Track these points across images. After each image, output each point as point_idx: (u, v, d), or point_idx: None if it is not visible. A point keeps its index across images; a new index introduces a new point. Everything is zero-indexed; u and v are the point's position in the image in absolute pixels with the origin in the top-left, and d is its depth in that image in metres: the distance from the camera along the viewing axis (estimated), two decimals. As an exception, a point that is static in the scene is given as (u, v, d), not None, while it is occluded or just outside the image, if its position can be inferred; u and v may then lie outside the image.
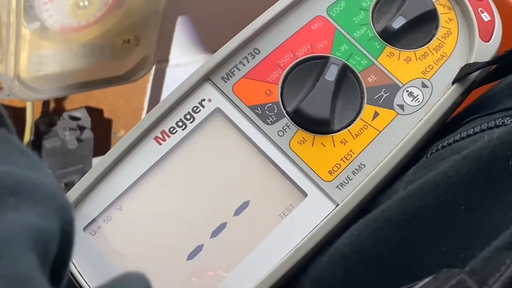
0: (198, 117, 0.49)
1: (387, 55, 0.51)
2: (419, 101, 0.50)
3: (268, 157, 0.49)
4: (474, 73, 0.49)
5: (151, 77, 1.16)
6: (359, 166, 0.49)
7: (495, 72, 0.49)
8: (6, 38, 0.83)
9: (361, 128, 0.49)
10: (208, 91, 0.50)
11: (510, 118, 0.45)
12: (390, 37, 0.51)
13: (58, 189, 0.35)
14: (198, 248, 0.48)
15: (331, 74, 0.49)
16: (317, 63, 0.50)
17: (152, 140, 0.49)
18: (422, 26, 0.51)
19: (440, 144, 0.47)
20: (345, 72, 0.50)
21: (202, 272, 0.48)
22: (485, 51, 0.50)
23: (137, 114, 1.20)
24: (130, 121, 1.15)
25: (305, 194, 0.48)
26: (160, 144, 0.49)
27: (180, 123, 0.49)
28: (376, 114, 0.49)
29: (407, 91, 0.50)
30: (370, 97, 0.50)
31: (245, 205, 0.48)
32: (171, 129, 0.49)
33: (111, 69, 0.97)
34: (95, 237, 0.48)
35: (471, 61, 0.50)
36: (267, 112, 0.49)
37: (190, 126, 0.49)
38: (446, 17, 0.52)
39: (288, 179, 0.49)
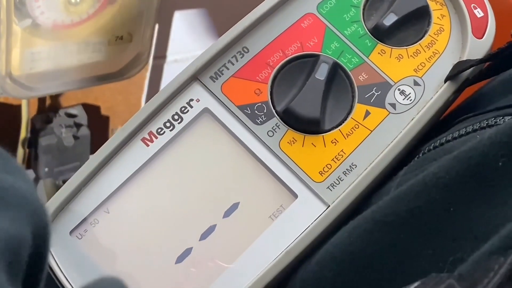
0: (186, 118, 0.49)
1: (379, 53, 0.50)
2: (411, 100, 0.49)
3: (258, 158, 0.48)
4: (467, 70, 0.48)
5: (148, 74, 1.16)
6: (350, 166, 0.48)
7: (489, 69, 0.49)
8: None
9: (352, 128, 0.48)
10: (196, 91, 0.49)
11: (502, 118, 0.44)
12: (381, 34, 0.50)
13: (32, 192, 0.34)
14: (187, 251, 0.47)
15: (321, 72, 0.48)
16: (307, 62, 0.49)
17: (139, 142, 0.48)
18: (414, 23, 0.50)
19: (432, 144, 0.46)
20: (336, 70, 0.49)
21: (193, 272, 0.47)
22: (478, 47, 0.49)
23: (135, 111, 1.19)
24: (127, 118, 1.14)
25: (295, 195, 0.47)
26: (148, 145, 0.48)
27: (168, 124, 0.49)
28: (367, 113, 0.49)
29: (398, 89, 0.49)
30: (361, 96, 0.49)
31: (234, 207, 0.48)
32: (159, 130, 0.49)
33: (105, 66, 0.97)
34: (82, 240, 0.47)
35: (464, 58, 0.49)
36: (256, 112, 0.49)
37: (178, 127, 0.49)
38: (438, 13, 0.51)
39: (278, 180, 0.48)
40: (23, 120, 1.07)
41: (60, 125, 1.10)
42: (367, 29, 0.50)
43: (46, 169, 1.08)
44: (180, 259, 0.47)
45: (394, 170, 0.48)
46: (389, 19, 0.50)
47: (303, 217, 0.47)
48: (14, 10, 0.84)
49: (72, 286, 0.46)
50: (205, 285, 0.47)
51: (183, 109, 0.49)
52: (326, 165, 0.48)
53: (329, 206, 0.47)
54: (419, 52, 0.50)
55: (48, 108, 1.13)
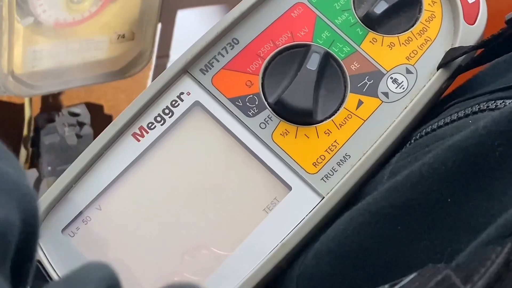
0: (177, 112, 0.48)
1: (370, 41, 0.49)
2: (403, 88, 0.48)
3: (251, 151, 0.48)
4: (460, 57, 0.47)
5: (151, 73, 1.15)
6: (344, 157, 0.47)
7: (481, 56, 0.48)
8: (-2, 33, 0.82)
9: (345, 118, 0.48)
10: (186, 84, 0.49)
11: (494, 102, 0.43)
12: (372, 22, 0.49)
13: (22, 179, 0.34)
14: (181, 246, 0.47)
15: (313, 63, 0.48)
16: (298, 52, 0.49)
17: (130, 137, 0.48)
18: (405, 10, 0.50)
19: (424, 130, 0.46)
20: (327, 60, 0.49)
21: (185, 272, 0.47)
22: (470, 34, 0.49)
23: (137, 109, 1.19)
24: (130, 116, 1.14)
25: (289, 188, 0.47)
26: (139, 140, 0.48)
27: (158, 118, 0.48)
28: (360, 103, 0.48)
29: (391, 78, 0.48)
30: (353, 85, 0.48)
31: (228, 200, 0.47)
32: (150, 125, 0.48)
33: (107, 64, 0.96)
34: (74, 238, 0.47)
35: (456, 45, 0.48)
36: (248, 104, 0.48)
37: (169, 121, 0.48)
38: (429, 0, 0.50)
39: (272, 172, 0.47)
40: (26, 118, 1.06)
41: (63, 124, 1.10)
42: (358, 18, 0.50)
43: (49, 168, 1.07)
44: (174, 254, 0.47)
45: (388, 157, 0.47)
46: (380, 7, 0.49)
47: (297, 209, 0.47)
48: (16, 8, 0.84)
49: (65, 284, 0.46)
50: (201, 280, 0.46)
51: (173, 103, 0.48)
52: (319, 156, 0.47)
53: (323, 197, 0.47)
54: (410, 39, 0.49)
55: (51, 107, 1.13)
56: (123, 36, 0.96)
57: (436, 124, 0.46)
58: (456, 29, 0.49)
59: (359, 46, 0.49)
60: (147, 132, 0.48)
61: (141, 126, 0.48)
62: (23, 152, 1.09)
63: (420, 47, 0.49)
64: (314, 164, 0.47)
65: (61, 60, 0.93)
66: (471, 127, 0.40)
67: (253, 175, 0.48)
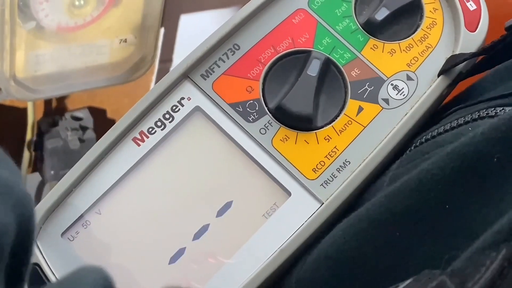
0: (178, 117, 0.48)
1: (371, 48, 0.49)
2: (404, 95, 0.48)
3: (251, 156, 0.48)
4: (460, 64, 0.47)
5: (154, 77, 1.15)
6: (343, 163, 0.47)
7: (482, 63, 0.48)
8: (0, 37, 0.83)
9: (345, 124, 0.48)
10: (187, 89, 0.49)
11: (494, 109, 0.43)
12: (373, 29, 0.50)
13: (17, 182, 0.34)
14: (180, 251, 0.47)
15: (313, 69, 0.48)
16: (299, 58, 0.49)
17: (130, 141, 0.48)
18: (406, 17, 0.50)
19: (424, 137, 0.46)
20: (328, 66, 0.49)
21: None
22: (471, 41, 0.49)
23: (140, 113, 1.19)
24: (133, 120, 1.14)
25: (289, 193, 0.47)
26: (139, 145, 0.48)
27: (159, 123, 0.48)
28: (360, 109, 0.48)
29: (391, 84, 0.48)
30: (354, 91, 0.48)
31: (228, 205, 0.47)
32: (150, 130, 0.48)
33: (109, 68, 0.96)
34: (74, 242, 0.47)
35: (457, 52, 0.48)
36: (248, 109, 0.48)
37: (170, 126, 0.48)
38: (430, 7, 0.50)
39: (272, 178, 0.47)
40: (29, 122, 1.07)
41: (66, 128, 1.10)
42: (359, 24, 0.50)
43: (52, 172, 1.07)
44: (173, 259, 0.47)
45: (388, 164, 0.47)
46: (381, 14, 0.49)
47: (297, 215, 0.47)
48: (18, 13, 0.84)
49: (64, 288, 0.46)
50: (200, 285, 0.46)
51: (174, 108, 0.48)
52: (319, 162, 0.47)
53: (323, 203, 0.47)
54: (411, 46, 0.49)
55: (54, 111, 1.13)
56: (125, 41, 0.96)
57: (436, 131, 0.46)
58: (457, 36, 0.49)
59: (360, 53, 0.49)
60: (148, 137, 0.48)
61: (142, 130, 0.48)
62: (26, 156, 1.09)
63: (421, 54, 0.49)
64: (314, 170, 0.47)
65: (63, 65, 0.93)
66: (469, 134, 0.40)
67: (252, 180, 0.48)
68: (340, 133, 0.48)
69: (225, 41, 0.49)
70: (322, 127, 0.48)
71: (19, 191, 0.34)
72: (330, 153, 0.47)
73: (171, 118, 0.48)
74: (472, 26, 0.49)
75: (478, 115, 0.44)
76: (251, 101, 0.48)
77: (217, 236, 0.47)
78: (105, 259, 0.47)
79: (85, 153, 0.48)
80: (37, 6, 0.86)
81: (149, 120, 0.48)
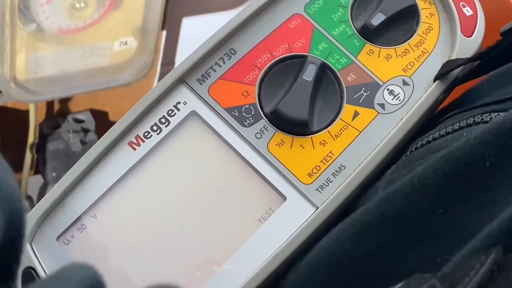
0: (174, 121, 0.48)
1: (367, 53, 0.49)
2: (400, 100, 0.48)
3: (246, 161, 0.48)
4: (456, 69, 0.47)
5: (156, 80, 1.16)
6: (339, 167, 0.47)
7: (478, 68, 0.48)
8: (1, 39, 0.83)
9: (341, 129, 0.48)
10: (183, 94, 0.49)
11: (489, 115, 0.43)
12: (369, 34, 0.50)
13: (6, 177, 0.34)
14: (176, 255, 0.47)
15: (309, 73, 0.48)
16: (295, 63, 0.49)
17: (126, 146, 0.48)
18: (402, 22, 0.50)
19: (420, 142, 0.46)
20: (324, 71, 0.49)
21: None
22: (468, 46, 0.49)
23: (142, 116, 1.20)
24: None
25: (284, 198, 0.47)
26: (135, 149, 0.48)
27: (155, 127, 0.48)
28: (356, 114, 0.48)
29: (387, 89, 0.48)
30: (349, 96, 0.48)
31: (223, 209, 0.47)
32: (146, 134, 0.48)
33: (110, 71, 0.97)
34: (69, 246, 0.47)
35: (453, 57, 0.48)
36: (244, 114, 0.48)
37: (165, 130, 0.48)
38: (427, 12, 0.50)
39: (267, 182, 0.47)
40: (31, 125, 1.07)
41: (67, 130, 1.10)
42: (355, 29, 0.50)
43: (54, 174, 1.08)
44: (168, 263, 0.47)
45: (383, 169, 0.47)
46: (377, 19, 0.49)
47: (292, 220, 0.47)
48: (19, 15, 0.84)
49: (59, 292, 0.46)
50: None
51: (170, 112, 0.49)
52: (315, 167, 0.47)
53: (318, 208, 0.47)
54: (407, 51, 0.49)
55: (56, 114, 1.13)
56: (126, 43, 0.96)
57: (431, 136, 0.46)
58: (453, 41, 0.49)
59: (356, 58, 0.49)
60: (143, 141, 0.48)
61: (137, 135, 0.48)
62: (28, 158, 1.09)
63: (417, 59, 0.49)
64: (309, 174, 0.47)
65: (63, 67, 0.94)
66: (462, 139, 0.40)
67: (248, 185, 0.48)
68: (336, 137, 0.48)
69: (221, 46, 0.50)
70: (317, 131, 0.48)
71: (7, 186, 0.34)
72: (325, 158, 0.47)
73: (167, 123, 0.48)
74: (468, 31, 0.49)
75: (473, 121, 0.44)
76: (247, 106, 0.48)
77: (213, 240, 0.47)
78: (100, 262, 0.47)
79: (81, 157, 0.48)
80: (38, 9, 0.87)
81: (145, 124, 0.48)
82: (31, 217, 0.47)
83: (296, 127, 0.48)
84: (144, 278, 0.47)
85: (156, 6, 0.93)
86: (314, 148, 0.48)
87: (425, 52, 0.49)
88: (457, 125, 0.45)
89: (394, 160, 0.47)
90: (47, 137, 1.09)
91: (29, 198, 1.12)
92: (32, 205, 1.01)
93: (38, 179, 1.13)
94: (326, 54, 0.49)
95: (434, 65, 0.49)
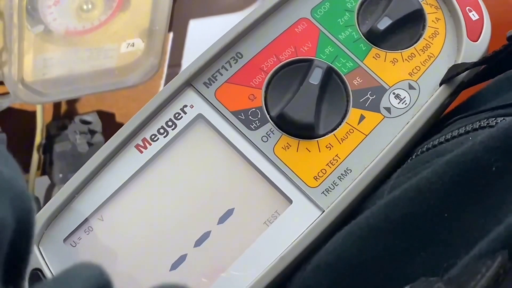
0: (180, 124, 0.49)
1: (373, 57, 0.49)
2: (406, 104, 0.48)
3: (252, 164, 0.48)
4: (462, 74, 0.47)
5: (162, 82, 1.16)
6: (345, 171, 0.47)
7: (484, 72, 0.48)
8: (9, 41, 0.83)
9: (347, 132, 0.48)
10: (190, 97, 0.49)
11: (494, 119, 0.43)
12: (376, 38, 0.50)
13: (16, 177, 0.34)
14: (182, 258, 0.47)
15: (315, 77, 0.48)
16: (301, 67, 0.49)
17: (133, 148, 0.48)
18: (408, 27, 0.50)
19: (425, 146, 0.46)
20: (330, 75, 0.49)
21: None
22: (474, 51, 0.49)
23: (148, 118, 1.20)
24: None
25: (290, 201, 0.47)
26: (141, 152, 0.48)
27: (161, 130, 0.49)
28: (362, 118, 0.48)
29: (393, 93, 0.49)
30: (356, 100, 0.49)
31: (229, 213, 0.48)
32: (153, 137, 0.48)
33: (117, 72, 0.97)
34: (76, 248, 0.47)
35: (459, 62, 0.48)
36: (250, 117, 0.48)
37: (172, 133, 0.48)
38: (433, 16, 0.50)
39: (273, 185, 0.48)
40: (38, 126, 1.07)
41: (74, 131, 1.11)
42: (362, 33, 0.50)
43: (61, 175, 1.08)
44: (175, 266, 0.47)
45: (389, 172, 0.47)
46: (384, 23, 0.49)
47: (298, 223, 0.47)
48: (27, 16, 0.85)
49: (65, 294, 0.46)
50: None
51: (177, 115, 0.49)
52: (320, 170, 0.47)
53: (323, 211, 0.47)
54: (414, 55, 0.49)
55: (63, 115, 1.14)
56: (133, 45, 0.96)
57: (437, 140, 0.46)
58: (460, 45, 0.49)
59: (362, 62, 0.49)
60: (150, 144, 0.48)
61: (144, 138, 0.48)
62: (35, 159, 1.10)
63: (423, 63, 0.49)
64: (315, 177, 0.47)
65: (71, 68, 0.94)
66: (468, 143, 0.40)
67: (254, 188, 0.48)
68: (342, 141, 0.48)
69: (228, 49, 0.50)
70: (323, 135, 0.48)
71: (17, 187, 0.34)
72: (331, 161, 0.48)
73: (173, 126, 0.49)
74: (474, 35, 0.49)
75: (479, 125, 0.44)
76: (253, 109, 0.49)
77: (218, 243, 0.47)
78: (107, 265, 0.47)
79: (89, 159, 0.48)
80: (46, 10, 0.87)
81: (152, 127, 0.49)
82: (38, 218, 0.47)
83: (302, 131, 0.48)
84: (150, 280, 0.47)
85: (163, 8, 0.94)
86: (320, 151, 0.48)
87: (431, 56, 0.49)
88: (463, 129, 0.45)
89: (399, 163, 0.47)
90: (54, 138, 1.10)
91: (36, 199, 1.12)
92: (39, 206, 1.02)
93: (45, 180, 1.14)
94: (332, 58, 0.49)
95: (440, 69, 0.49)
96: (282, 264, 0.46)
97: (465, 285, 0.33)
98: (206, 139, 0.49)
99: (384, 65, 0.49)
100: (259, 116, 0.49)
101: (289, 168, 0.48)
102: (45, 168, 1.13)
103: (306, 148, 0.48)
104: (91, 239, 0.47)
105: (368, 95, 0.49)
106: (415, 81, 0.49)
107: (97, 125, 1.12)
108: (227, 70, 0.49)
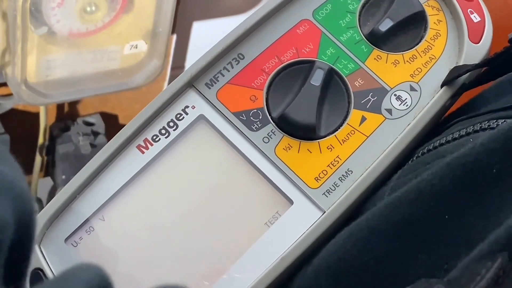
0: (182, 125, 0.49)
1: (375, 59, 0.49)
2: (407, 105, 0.48)
3: (254, 165, 0.48)
4: (464, 75, 0.47)
5: (166, 83, 1.16)
6: (346, 172, 0.47)
7: (486, 74, 0.48)
8: (12, 42, 0.83)
9: (348, 134, 0.48)
10: (191, 98, 0.49)
11: (496, 121, 0.43)
12: (377, 40, 0.50)
13: (17, 178, 0.34)
14: (183, 259, 0.47)
15: (317, 78, 0.48)
16: (303, 68, 0.49)
17: (134, 149, 0.49)
18: (410, 28, 0.50)
19: (426, 148, 0.46)
20: (332, 76, 0.49)
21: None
22: (475, 52, 0.49)
23: (151, 119, 1.20)
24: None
25: (291, 202, 0.47)
26: (143, 152, 0.48)
27: (163, 131, 0.49)
28: (363, 119, 0.48)
29: (395, 95, 0.49)
30: (357, 101, 0.49)
31: (230, 213, 0.48)
32: (154, 137, 0.49)
33: (120, 74, 0.97)
34: (77, 248, 0.47)
35: (461, 63, 0.48)
36: (252, 118, 0.49)
37: (174, 134, 0.49)
38: (435, 18, 0.50)
39: (274, 186, 0.48)
40: (41, 127, 1.07)
41: (77, 133, 1.11)
42: (363, 35, 0.50)
43: (64, 177, 1.08)
44: (175, 266, 0.47)
45: (390, 174, 0.47)
46: (385, 25, 0.49)
47: (298, 224, 0.47)
48: (30, 18, 0.85)
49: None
50: None
51: (178, 116, 0.49)
52: (322, 171, 0.47)
53: (324, 212, 0.47)
54: (415, 57, 0.49)
55: (66, 116, 1.14)
56: (136, 47, 0.97)
57: (438, 141, 0.46)
58: (461, 47, 0.49)
59: (363, 63, 0.49)
60: (152, 145, 0.48)
61: (146, 138, 0.49)
62: (38, 160, 1.10)
63: (424, 65, 0.49)
64: (316, 179, 0.47)
65: (74, 70, 0.94)
66: (469, 145, 0.40)
67: (255, 189, 0.48)
68: (343, 142, 0.48)
69: (229, 50, 0.50)
70: (325, 136, 0.48)
71: (18, 188, 0.34)
72: (332, 162, 0.48)
73: (175, 126, 0.49)
74: (476, 37, 0.49)
75: (480, 127, 0.44)
76: (255, 110, 0.49)
77: (220, 244, 0.47)
78: (108, 265, 0.47)
79: (90, 160, 0.48)
80: (49, 12, 0.87)
81: (153, 128, 0.49)
82: (40, 218, 0.47)
83: (303, 132, 0.48)
84: (151, 281, 0.47)
85: (166, 10, 0.94)
86: (321, 152, 0.48)
87: (432, 58, 0.49)
88: (464, 130, 0.45)
89: (400, 165, 0.47)
90: (57, 140, 1.10)
91: (38, 200, 1.12)
92: (42, 208, 1.02)
93: (48, 182, 1.14)
94: (334, 59, 0.49)
95: (442, 71, 0.49)
96: (283, 265, 0.46)
97: (464, 286, 0.33)
98: (207, 140, 0.49)
99: (385, 67, 0.49)
100: (260, 117, 0.49)
101: (290, 169, 0.48)
102: (48, 170, 1.13)
103: (307, 149, 0.48)
104: (92, 239, 0.47)
105: (370, 97, 0.49)
106: (417, 83, 0.49)
107: (100, 126, 1.13)
108: (228, 71, 0.50)
